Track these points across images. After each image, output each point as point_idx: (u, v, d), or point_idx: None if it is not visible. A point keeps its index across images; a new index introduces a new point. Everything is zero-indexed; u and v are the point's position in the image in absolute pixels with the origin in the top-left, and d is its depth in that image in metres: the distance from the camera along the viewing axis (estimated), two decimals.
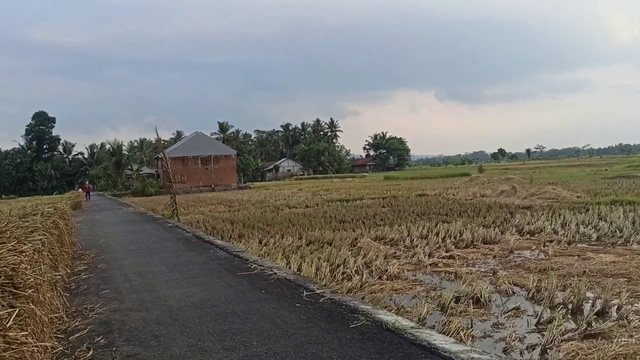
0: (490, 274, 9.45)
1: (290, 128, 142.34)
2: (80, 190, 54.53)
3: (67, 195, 33.58)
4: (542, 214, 17.22)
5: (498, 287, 8.37)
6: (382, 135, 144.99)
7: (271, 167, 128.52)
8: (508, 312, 7.11)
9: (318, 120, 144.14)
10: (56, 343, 4.88)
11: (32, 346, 3.22)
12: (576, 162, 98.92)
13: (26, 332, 3.23)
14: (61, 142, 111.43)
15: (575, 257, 10.44)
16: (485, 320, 6.90)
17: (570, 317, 6.94)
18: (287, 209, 24.95)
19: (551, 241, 12.43)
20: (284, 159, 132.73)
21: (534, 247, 12.07)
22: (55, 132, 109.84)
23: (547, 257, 10.74)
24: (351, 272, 9.60)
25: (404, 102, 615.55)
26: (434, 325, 6.43)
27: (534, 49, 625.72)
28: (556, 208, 18.70)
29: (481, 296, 7.64)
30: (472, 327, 6.49)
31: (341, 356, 4.60)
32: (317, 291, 6.96)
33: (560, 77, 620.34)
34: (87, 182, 63.52)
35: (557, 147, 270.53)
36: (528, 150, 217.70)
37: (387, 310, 6.46)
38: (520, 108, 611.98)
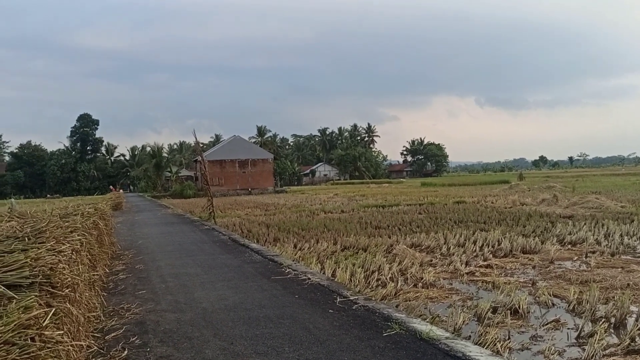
0: (529, 285, 9.22)
1: (327, 133, 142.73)
2: (121, 191, 56.32)
3: (108, 196, 34.37)
4: (585, 223, 16.73)
5: (537, 298, 8.16)
6: (419, 141, 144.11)
7: (308, 171, 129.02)
8: (547, 324, 6.91)
9: (355, 125, 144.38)
10: (92, 342, 4.96)
11: (68, 345, 3.27)
12: (621, 170, 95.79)
13: (62, 331, 3.27)
14: (104, 143, 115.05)
15: (619, 269, 10.09)
16: (523, 332, 6.72)
17: (612, 331, 6.70)
18: (322, 214, 24.95)
19: (594, 252, 12.07)
20: (320, 164, 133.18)
21: (576, 258, 11.72)
22: (98, 134, 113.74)
23: (589, 268, 10.43)
24: (386, 279, 9.51)
25: (443, 108, 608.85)
26: (470, 336, 6.29)
27: (577, 54, 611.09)
28: (599, 218, 18.15)
29: (519, 307, 7.44)
30: (509, 338, 6.33)
31: None
32: (351, 297, 6.90)
33: (605, 83, 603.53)
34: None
35: (601, 155, 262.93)
36: (571, 158, 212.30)
37: (422, 319, 6.35)
38: (563, 114, 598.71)
